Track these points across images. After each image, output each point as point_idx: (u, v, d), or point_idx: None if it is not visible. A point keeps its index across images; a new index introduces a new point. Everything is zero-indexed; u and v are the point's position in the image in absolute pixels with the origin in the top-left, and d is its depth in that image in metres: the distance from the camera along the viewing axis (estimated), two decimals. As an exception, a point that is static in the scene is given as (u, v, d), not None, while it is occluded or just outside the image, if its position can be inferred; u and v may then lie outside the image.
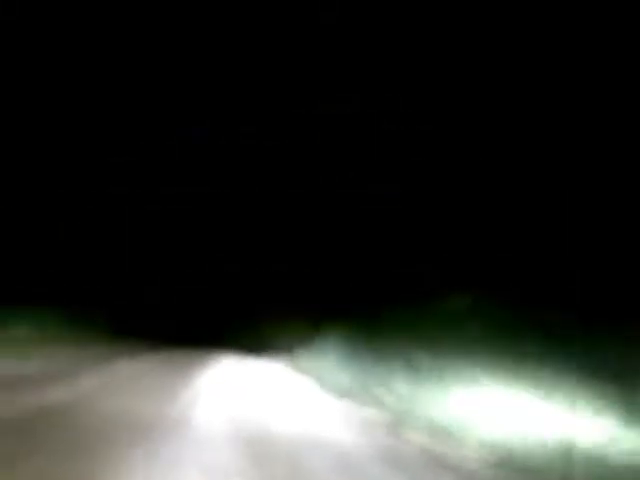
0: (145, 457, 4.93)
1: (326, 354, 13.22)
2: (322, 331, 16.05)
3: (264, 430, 6.83)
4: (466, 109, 19.06)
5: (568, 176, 10.47)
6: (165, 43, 20.41)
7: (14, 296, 12.23)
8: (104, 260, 20.51)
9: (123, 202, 21.32)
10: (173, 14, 20.26)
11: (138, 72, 20.03)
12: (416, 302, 10.35)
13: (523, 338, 6.98)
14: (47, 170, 17.58)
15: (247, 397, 9.74)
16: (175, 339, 19.51)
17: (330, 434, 6.94)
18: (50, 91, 17.78)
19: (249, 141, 22.91)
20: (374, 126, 22.35)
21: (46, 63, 17.90)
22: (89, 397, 7.51)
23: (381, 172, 19.27)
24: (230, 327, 23.90)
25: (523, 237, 9.72)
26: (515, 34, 17.37)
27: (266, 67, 22.64)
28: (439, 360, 7.45)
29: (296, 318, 21.72)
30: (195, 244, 25.33)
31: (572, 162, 10.85)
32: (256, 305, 24.88)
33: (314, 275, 22.66)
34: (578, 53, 14.95)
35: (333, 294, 19.74)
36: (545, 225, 9.73)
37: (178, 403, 7.96)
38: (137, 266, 22.87)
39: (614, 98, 12.99)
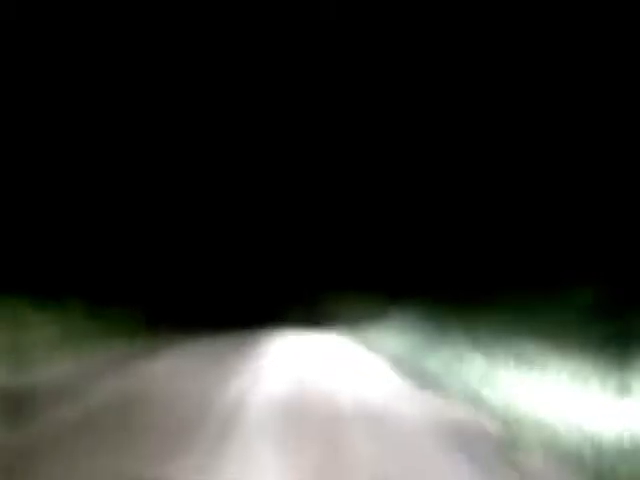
0: (201, 441, 5.09)
1: (404, 332, 12.21)
2: (400, 306, 14.61)
3: (322, 404, 6.79)
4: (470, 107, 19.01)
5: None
6: (164, 41, 20.15)
7: (34, 288, 11.20)
8: (133, 245, 18.69)
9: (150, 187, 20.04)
10: (170, 11, 20.02)
11: (136, 70, 19.73)
12: (529, 289, 9.76)
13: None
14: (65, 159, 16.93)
15: (308, 371, 9.56)
16: (226, 322, 17.20)
17: (387, 409, 6.70)
18: (49, 89, 17.42)
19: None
20: (375, 125, 22.21)
21: (46, 63, 17.59)
22: (151, 385, 7.58)
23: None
24: (292, 302, 21.55)
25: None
26: (514, 34, 17.28)
27: (265, 66, 22.40)
28: (542, 351, 6.92)
29: (367, 290, 19.51)
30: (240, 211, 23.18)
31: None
32: (319, 276, 22.63)
33: (393, 243, 21.11)
34: (577, 53, 14.83)
35: (414, 266, 18.39)
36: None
37: (237, 384, 7.91)
38: (172, 246, 20.97)
39: (612, 108, 12.85)
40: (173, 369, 9.31)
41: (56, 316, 10.48)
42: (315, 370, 9.81)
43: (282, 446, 5.08)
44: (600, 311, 7.76)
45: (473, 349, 7.76)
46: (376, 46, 22.04)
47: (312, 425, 5.91)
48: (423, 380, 8.23)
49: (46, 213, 15.30)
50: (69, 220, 15.92)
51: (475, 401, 6.65)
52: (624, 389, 5.80)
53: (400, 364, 9.88)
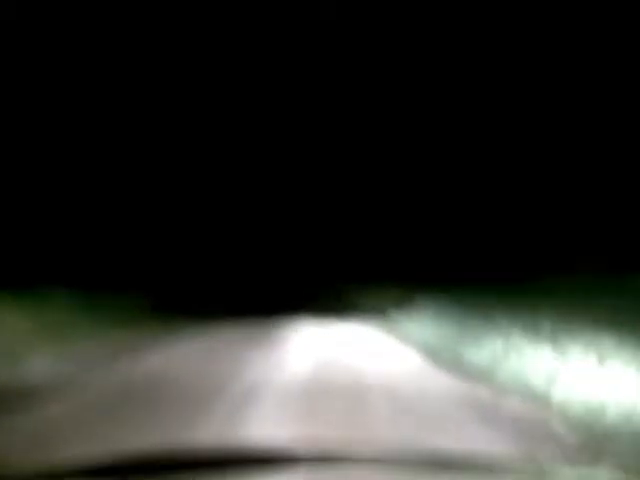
0: (221, 410, 5.19)
1: (428, 318, 11.76)
2: (423, 294, 13.98)
3: (345, 380, 6.70)
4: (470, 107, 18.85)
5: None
6: (164, 41, 19.83)
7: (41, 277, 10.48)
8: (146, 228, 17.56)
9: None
10: (170, 11, 19.74)
11: (137, 70, 19.38)
12: (549, 271, 9.34)
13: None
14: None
15: (332, 351, 9.48)
16: (248, 312, 16.09)
17: (411, 387, 6.57)
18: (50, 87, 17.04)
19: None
20: (382, 120, 21.97)
21: (46, 63, 17.23)
22: (172, 365, 7.63)
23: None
24: (316, 292, 20.54)
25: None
26: (514, 34, 17.17)
27: (265, 65, 22.13)
28: (561, 331, 6.51)
29: (390, 281, 18.54)
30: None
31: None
32: (344, 267, 21.90)
33: (413, 233, 20.45)
34: (573, 55, 14.72)
35: (434, 255, 17.90)
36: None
37: (261, 363, 7.90)
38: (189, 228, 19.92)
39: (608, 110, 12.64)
40: (194, 351, 9.23)
41: (55, 307, 10.04)
42: (339, 351, 9.71)
43: (302, 413, 5.15)
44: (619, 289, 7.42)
45: (531, 338, 7.31)
46: (376, 46, 21.88)
47: (334, 398, 5.86)
48: (465, 373, 7.78)
49: (38, 195, 14.61)
50: (64, 203, 15.21)
51: (537, 398, 6.08)
52: None
53: (436, 355, 9.47)
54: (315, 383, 6.62)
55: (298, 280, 21.40)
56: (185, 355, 8.71)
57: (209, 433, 4.37)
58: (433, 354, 9.42)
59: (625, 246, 9.18)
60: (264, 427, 4.63)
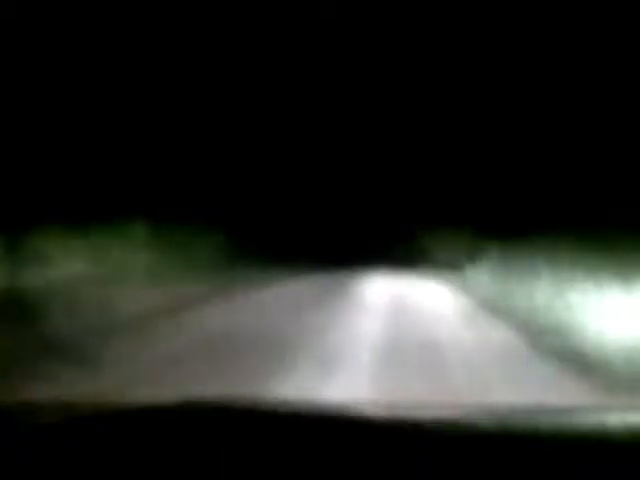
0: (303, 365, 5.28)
1: (497, 270, 11.60)
2: (494, 244, 13.74)
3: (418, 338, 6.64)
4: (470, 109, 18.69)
5: None
6: (164, 41, 19.55)
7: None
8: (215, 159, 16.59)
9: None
10: (169, 11, 19.50)
11: (137, 69, 19.02)
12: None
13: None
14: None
15: (404, 311, 9.39)
16: (319, 257, 16.08)
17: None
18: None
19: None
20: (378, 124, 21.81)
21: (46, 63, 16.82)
22: (254, 317, 7.72)
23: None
24: (389, 241, 20.50)
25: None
26: (515, 36, 17.13)
27: (265, 65, 21.93)
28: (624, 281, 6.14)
29: (462, 228, 18.12)
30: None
31: None
32: (408, 217, 21.37)
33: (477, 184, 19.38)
34: (573, 56, 14.61)
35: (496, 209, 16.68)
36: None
37: (335, 319, 7.92)
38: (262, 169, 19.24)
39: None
40: (271, 302, 9.33)
41: (135, 243, 9.40)
42: (412, 308, 9.72)
43: (379, 371, 5.19)
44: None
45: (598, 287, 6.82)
46: (376, 46, 21.84)
47: (408, 356, 5.85)
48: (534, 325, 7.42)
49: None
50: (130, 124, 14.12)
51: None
52: None
53: (504, 309, 9.12)
54: (389, 341, 6.63)
55: (371, 228, 21.15)
56: (262, 306, 8.83)
57: (289, 389, 4.29)
58: (501, 308, 9.26)
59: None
60: (344, 385, 4.60)
